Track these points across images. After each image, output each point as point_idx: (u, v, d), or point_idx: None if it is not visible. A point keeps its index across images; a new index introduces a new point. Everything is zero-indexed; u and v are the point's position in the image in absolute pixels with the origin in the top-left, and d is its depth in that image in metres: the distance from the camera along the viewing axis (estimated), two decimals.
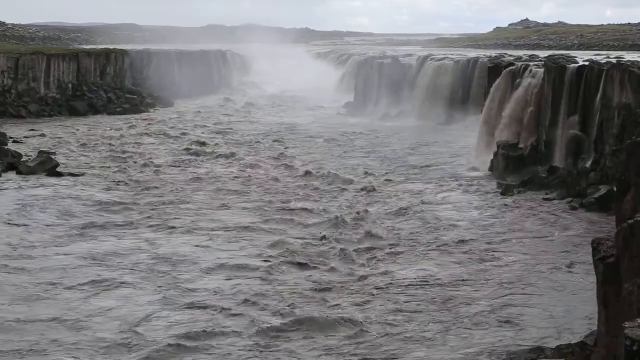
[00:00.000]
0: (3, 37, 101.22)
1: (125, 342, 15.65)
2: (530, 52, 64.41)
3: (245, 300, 18.00)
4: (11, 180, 32.13)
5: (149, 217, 26.16)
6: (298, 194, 30.01)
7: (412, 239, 23.66)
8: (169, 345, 15.46)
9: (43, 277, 19.59)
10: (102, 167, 35.70)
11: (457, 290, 19.01)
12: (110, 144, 42.88)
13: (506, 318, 17.18)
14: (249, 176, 33.69)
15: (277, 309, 17.53)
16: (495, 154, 34.09)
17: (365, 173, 34.67)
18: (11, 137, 42.77)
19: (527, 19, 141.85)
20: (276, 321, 16.75)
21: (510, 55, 52.52)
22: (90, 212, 26.68)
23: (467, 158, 37.30)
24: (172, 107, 63.95)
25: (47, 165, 33.88)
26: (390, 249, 22.60)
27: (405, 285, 19.35)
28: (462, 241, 23.46)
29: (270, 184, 32.06)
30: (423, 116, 51.91)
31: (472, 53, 65.41)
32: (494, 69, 39.75)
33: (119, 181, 32.15)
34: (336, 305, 17.88)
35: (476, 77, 49.11)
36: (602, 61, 36.42)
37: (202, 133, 48.33)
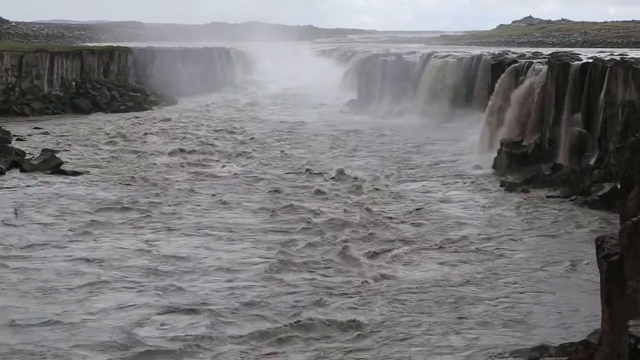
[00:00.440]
0: (7, 35, 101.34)
1: (123, 344, 15.44)
2: (533, 50, 64.32)
3: (246, 302, 17.76)
4: (15, 178, 32.18)
5: (151, 216, 26.09)
6: (301, 194, 29.94)
7: (416, 238, 23.58)
8: (168, 347, 15.27)
9: (43, 277, 19.51)
10: (106, 165, 35.70)
11: (463, 289, 18.95)
12: (113, 142, 42.90)
13: (512, 317, 17.12)
14: (252, 175, 33.64)
15: (278, 310, 17.35)
16: (499, 152, 34.05)
17: (369, 172, 34.64)
18: (15, 135, 42.77)
19: (530, 16, 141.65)
20: (277, 322, 16.55)
21: (513, 53, 52.45)
22: (92, 211, 26.61)
23: (471, 156, 37.25)
24: (176, 105, 64.00)
25: (51, 164, 33.92)
26: (396, 248, 22.49)
27: (410, 285, 19.27)
28: (466, 239, 23.40)
29: (273, 183, 31.99)
30: (426, 114, 51.85)
31: (475, 50, 65.31)
32: (498, 66, 39.72)
33: (122, 179, 32.14)
34: (339, 306, 17.67)
35: (479, 75, 49.01)
36: (606, 58, 36.40)
37: (206, 131, 48.33)
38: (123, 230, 24.27)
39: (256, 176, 33.31)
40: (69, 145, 41.38)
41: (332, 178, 32.79)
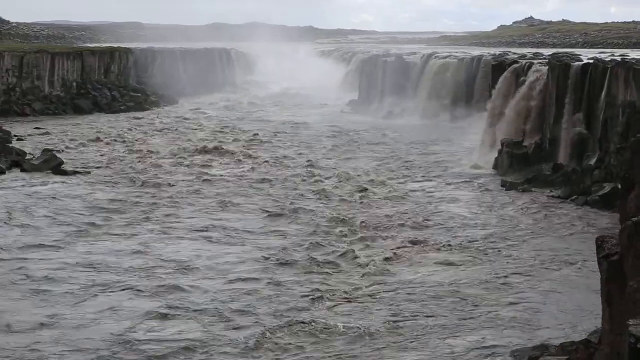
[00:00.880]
0: (7, 35, 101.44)
1: (118, 348, 15.30)
2: (534, 50, 64.30)
3: (244, 305, 17.67)
4: (16, 178, 32.20)
5: (151, 217, 26.11)
6: (302, 194, 29.94)
7: (417, 238, 23.57)
8: (164, 351, 15.14)
9: (42, 277, 19.51)
10: (107, 165, 35.70)
11: (465, 288, 18.97)
12: (114, 142, 42.94)
13: (513, 316, 17.12)
14: (253, 175, 33.66)
15: (279, 311, 17.30)
16: (500, 152, 34.08)
17: (370, 172, 34.65)
18: (15, 135, 42.85)
19: (531, 17, 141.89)
20: (276, 325, 16.47)
21: (514, 53, 52.42)
22: (92, 211, 26.64)
23: (472, 156, 37.26)
24: (176, 105, 64.04)
25: (52, 163, 33.95)
26: (399, 248, 22.49)
27: (412, 285, 19.29)
28: (466, 239, 23.42)
29: (274, 183, 32.00)
30: (427, 114, 51.91)
31: (476, 51, 65.32)
32: (498, 66, 39.71)
33: (122, 180, 32.16)
34: (341, 308, 17.62)
35: (480, 75, 49.06)
36: (607, 59, 36.38)
37: (206, 132, 48.34)
38: (123, 231, 24.26)
39: (256, 176, 33.30)
40: (70, 145, 41.40)
41: (333, 178, 32.79)
